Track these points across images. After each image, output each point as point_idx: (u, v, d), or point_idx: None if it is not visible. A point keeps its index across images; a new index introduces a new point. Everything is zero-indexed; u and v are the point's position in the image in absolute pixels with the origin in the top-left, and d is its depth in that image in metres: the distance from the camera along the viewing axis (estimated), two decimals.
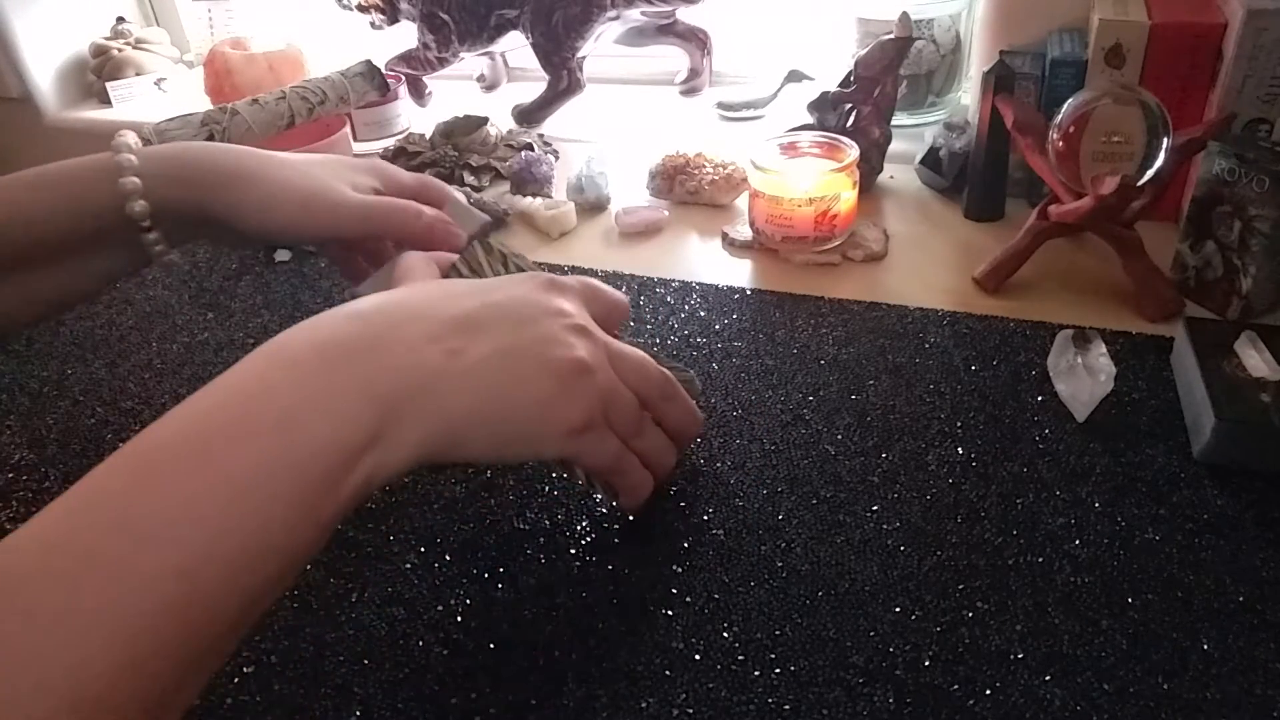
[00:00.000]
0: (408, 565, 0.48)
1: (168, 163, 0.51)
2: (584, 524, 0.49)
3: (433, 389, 0.37)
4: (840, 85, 0.82)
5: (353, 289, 0.59)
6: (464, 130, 0.99)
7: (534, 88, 1.06)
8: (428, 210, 0.55)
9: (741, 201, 0.84)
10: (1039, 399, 0.56)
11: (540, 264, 0.76)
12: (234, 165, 0.52)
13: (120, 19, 1.38)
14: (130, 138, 0.52)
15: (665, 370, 0.46)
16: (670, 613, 0.44)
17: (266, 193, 0.52)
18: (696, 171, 0.85)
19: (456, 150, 0.95)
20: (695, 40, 1.08)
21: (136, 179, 0.50)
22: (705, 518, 0.49)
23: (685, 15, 1.06)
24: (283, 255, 0.82)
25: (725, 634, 0.43)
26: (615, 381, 0.42)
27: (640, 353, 0.45)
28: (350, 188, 0.54)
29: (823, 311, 0.67)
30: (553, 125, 1.06)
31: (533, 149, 0.95)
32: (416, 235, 0.54)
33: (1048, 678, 0.40)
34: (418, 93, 1.14)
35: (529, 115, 1.05)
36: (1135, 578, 0.44)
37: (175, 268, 0.56)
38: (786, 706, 0.39)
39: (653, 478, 0.45)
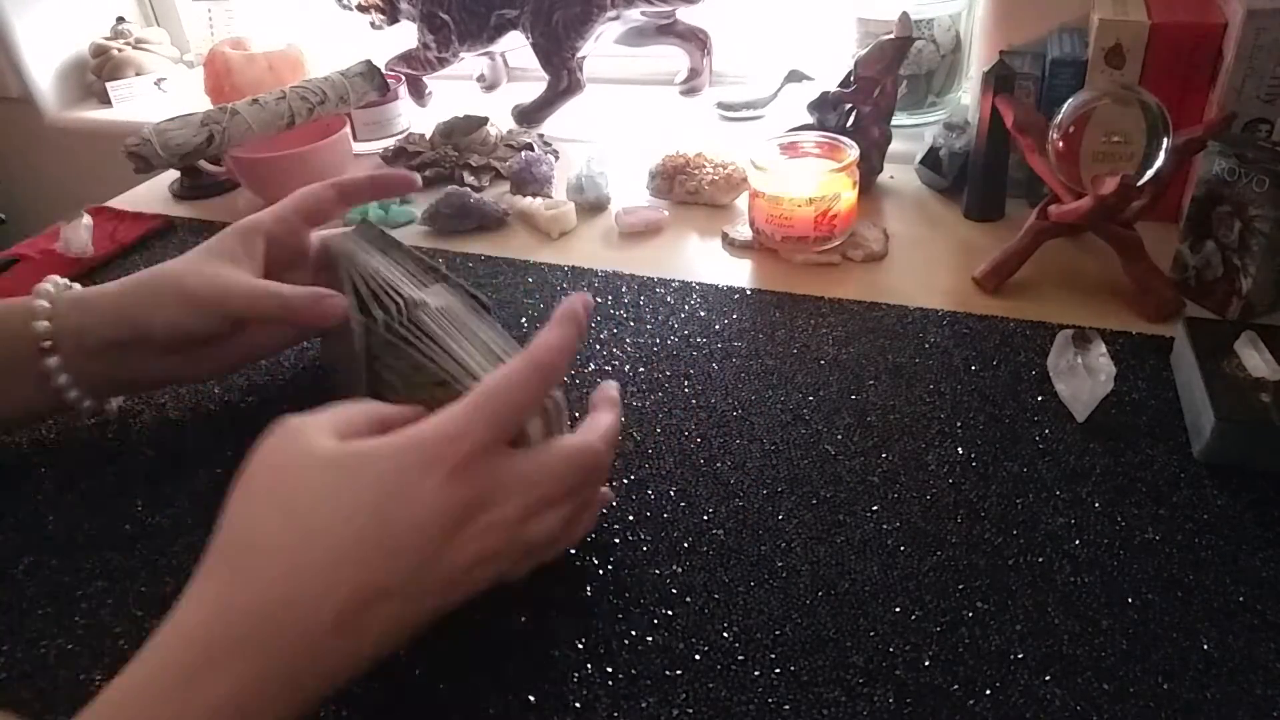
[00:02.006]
0: None
1: (80, 299, 0.53)
2: None
3: (346, 675, 0.35)
4: (840, 85, 0.82)
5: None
6: (464, 130, 0.99)
7: (534, 88, 1.06)
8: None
9: (741, 201, 0.84)
10: (1039, 399, 0.56)
11: (540, 264, 0.76)
12: (151, 281, 0.53)
13: (120, 19, 1.39)
14: (46, 286, 0.53)
15: (593, 458, 0.41)
16: (670, 613, 0.44)
17: (181, 298, 0.52)
18: (696, 171, 0.85)
19: (456, 150, 0.95)
20: (695, 40, 1.09)
21: (47, 323, 0.51)
22: (705, 518, 0.49)
23: (685, 15, 1.06)
24: None
25: (725, 634, 0.43)
26: (532, 533, 0.39)
27: (556, 459, 0.40)
28: (236, 267, 0.54)
29: (823, 311, 0.67)
30: (553, 125, 1.06)
31: (533, 149, 0.95)
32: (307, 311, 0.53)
33: (1048, 678, 0.40)
34: (418, 93, 1.14)
35: (529, 115, 1.05)
36: (1135, 578, 0.44)
37: (100, 417, 0.57)
38: (786, 706, 0.39)
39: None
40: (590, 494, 0.44)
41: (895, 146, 0.84)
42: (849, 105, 0.81)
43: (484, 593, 0.39)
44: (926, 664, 0.41)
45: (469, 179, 0.91)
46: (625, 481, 0.52)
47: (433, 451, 0.36)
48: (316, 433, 0.38)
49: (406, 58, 1.10)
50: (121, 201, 0.98)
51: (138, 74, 1.34)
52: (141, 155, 0.86)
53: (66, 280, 0.55)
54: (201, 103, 1.12)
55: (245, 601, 0.33)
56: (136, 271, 0.55)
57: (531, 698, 0.41)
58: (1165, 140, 0.60)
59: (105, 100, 1.33)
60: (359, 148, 1.03)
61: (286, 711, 0.33)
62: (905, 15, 0.79)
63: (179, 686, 0.31)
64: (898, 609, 0.43)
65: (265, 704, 0.32)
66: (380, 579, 0.35)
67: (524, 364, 0.39)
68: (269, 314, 0.53)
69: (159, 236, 0.89)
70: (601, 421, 0.44)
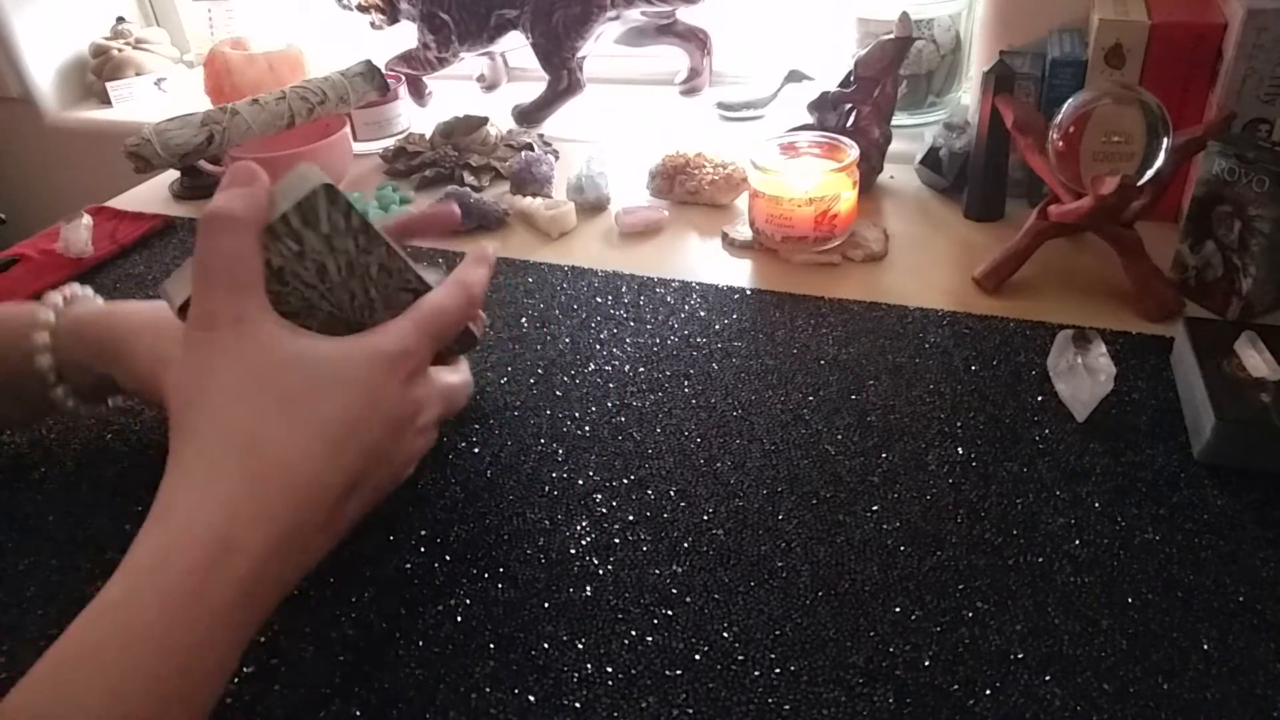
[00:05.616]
0: (408, 565, 0.48)
1: (80, 325, 0.53)
2: (584, 524, 0.49)
3: (312, 566, 0.39)
4: (840, 85, 0.82)
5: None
6: (464, 130, 0.99)
7: (534, 88, 1.06)
8: None
9: (741, 201, 0.84)
10: (1039, 399, 0.56)
11: (540, 264, 0.76)
12: (125, 335, 0.52)
13: (120, 19, 1.39)
14: (57, 296, 0.54)
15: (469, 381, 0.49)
16: (670, 613, 0.44)
17: (132, 367, 0.51)
18: (696, 171, 0.85)
19: (456, 150, 0.95)
20: (695, 40, 1.09)
21: (47, 336, 0.52)
22: (705, 518, 0.49)
23: (685, 15, 1.06)
24: None
25: (725, 634, 0.43)
26: (427, 439, 0.45)
27: (457, 382, 0.48)
28: None
29: (823, 311, 0.67)
30: (553, 125, 1.06)
31: (533, 149, 0.95)
32: None
33: (1048, 678, 0.40)
34: (418, 93, 1.14)
35: (529, 115, 1.05)
36: (1135, 578, 0.44)
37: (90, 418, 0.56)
38: (786, 706, 0.39)
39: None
40: None
41: (895, 146, 0.84)
42: (849, 105, 0.81)
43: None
44: (926, 664, 0.41)
45: (469, 179, 0.91)
46: (625, 481, 0.52)
47: (395, 362, 0.41)
48: (276, 328, 0.39)
49: (406, 58, 1.10)
50: (121, 201, 0.98)
51: (138, 74, 1.34)
52: (141, 155, 0.86)
53: (76, 289, 0.55)
54: (201, 103, 1.12)
55: (258, 505, 0.35)
56: (130, 298, 0.55)
57: (531, 698, 0.41)
58: (1165, 140, 0.60)
59: (105, 100, 1.33)
60: (359, 148, 1.03)
61: (274, 602, 0.37)
62: (905, 15, 0.79)
63: (192, 588, 0.33)
64: (898, 609, 0.43)
65: (264, 598, 0.36)
66: (358, 473, 0.39)
67: (457, 291, 0.45)
68: None
69: (159, 236, 0.89)
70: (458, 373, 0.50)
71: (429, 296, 0.44)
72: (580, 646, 0.43)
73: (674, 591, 0.45)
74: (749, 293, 0.70)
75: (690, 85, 1.11)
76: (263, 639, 0.44)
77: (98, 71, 1.34)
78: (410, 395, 0.41)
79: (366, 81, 0.96)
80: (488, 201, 0.84)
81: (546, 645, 0.43)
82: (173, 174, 1.00)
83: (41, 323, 0.52)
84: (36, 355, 0.52)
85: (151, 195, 1.00)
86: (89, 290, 0.57)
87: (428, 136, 1.00)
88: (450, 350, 0.50)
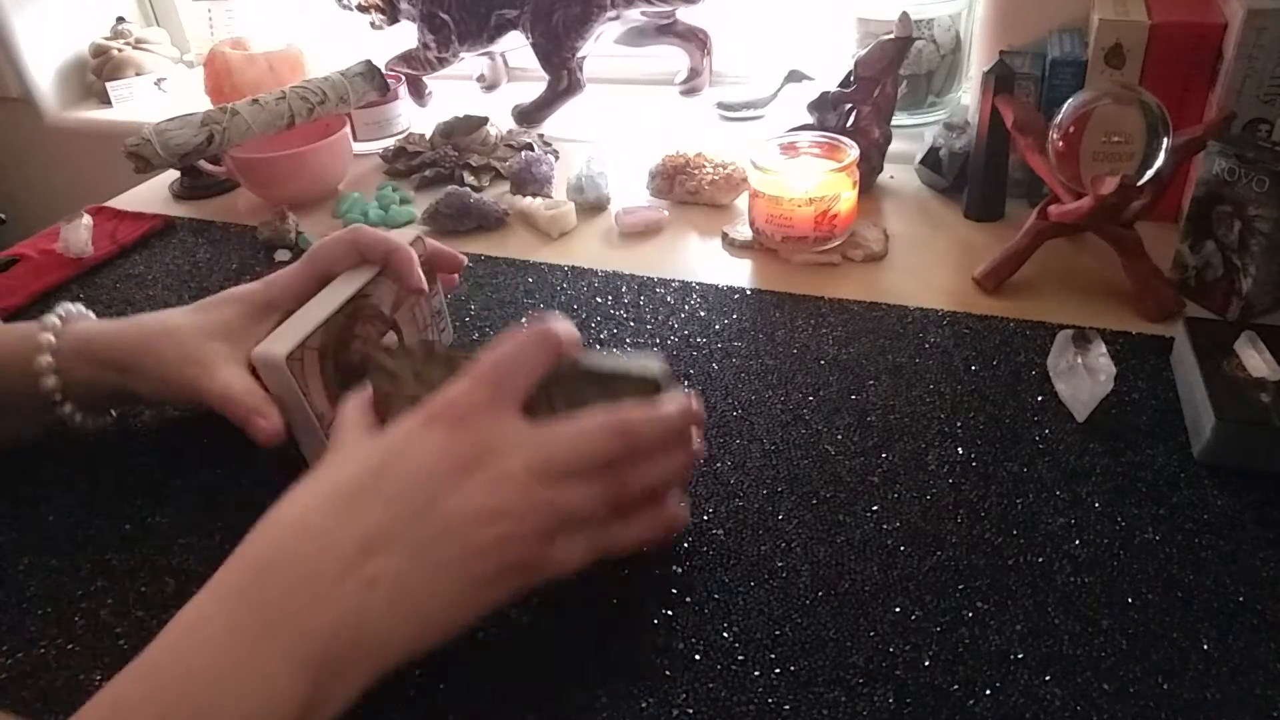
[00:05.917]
0: None
1: (84, 342, 0.54)
2: None
3: (365, 635, 0.36)
4: (840, 85, 0.82)
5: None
6: (464, 130, 0.99)
7: (534, 88, 1.06)
8: (274, 417, 0.51)
9: (741, 201, 0.84)
10: (1039, 399, 0.56)
11: (540, 264, 0.76)
12: (139, 344, 0.54)
13: (120, 19, 1.39)
14: (53, 318, 0.55)
15: (617, 424, 0.40)
16: (670, 613, 0.44)
17: (159, 371, 0.53)
18: (696, 171, 0.85)
19: (456, 150, 0.95)
20: (695, 40, 1.09)
21: (50, 358, 0.53)
22: (705, 518, 0.49)
23: (685, 15, 1.06)
24: (282, 255, 0.82)
25: (725, 634, 0.43)
26: (549, 499, 0.38)
27: (576, 426, 0.40)
28: (234, 353, 0.53)
29: (823, 311, 0.67)
30: (553, 125, 1.06)
31: (533, 149, 0.95)
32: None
33: (1048, 678, 0.40)
34: (418, 93, 1.14)
35: (529, 115, 1.05)
36: (1135, 578, 0.44)
37: (99, 425, 0.58)
38: (786, 706, 0.39)
39: (658, 526, 0.43)
40: (636, 482, 0.41)
41: (895, 146, 0.84)
42: (849, 105, 0.81)
43: (531, 587, 0.40)
44: (926, 664, 0.41)
45: (469, 179, 0.91)
46: None
47: (433, 412, 0.39)
48: (358, 432, 0.42)
49: (406, 58, 1.10)
50: (121, 201, 0.99)
51: (138, 74, 1.34)
52: (141, 155, 0.86)
53: (69, 309, 0.56)
54: (201, 103, 1.12)
55: (256, 550, 0.37)
56: (137, 314, 0.56)
57: (532, 697, 0.40)
58: (1165, 140, 0.60)
59: (105, 100, 1.33)
60: (359, 148, 1.03)
61: (311, 664, 0.34)
62: (905, 15, 0.79)
63: (209, 619, 0.35)
64: (898, 609, 0.43)
65: (287, 638, 0.34)
66: (375, 526, 0.37)
67: (525, 334, 0.42)
68: (232, 418, 0.51)
69: (159, 236, 0.89)
70: (657, 404, 0.42)
71: (495, 345, 0.41)
72: (581, 646, 0.43)
73: (674, 591, 0.45)
74: (749, 293, 0.70)
75: (690, 85, 1.11)
76: None
77: (98, 71, 1.34)
78: (461, 438, 0.38)
79: (366, 81, 0.96)
80: (488, 201, 0.84)
81: (546, 646, 0.43)
82: (173, 174, 1.00)
83: (43, 345, 0.53)
84: (41, 377, 0.53)
85: (151, 195, 1.00)
86: (82, 307, 0.58)
87: (428, 136, 1.00)
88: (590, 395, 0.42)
